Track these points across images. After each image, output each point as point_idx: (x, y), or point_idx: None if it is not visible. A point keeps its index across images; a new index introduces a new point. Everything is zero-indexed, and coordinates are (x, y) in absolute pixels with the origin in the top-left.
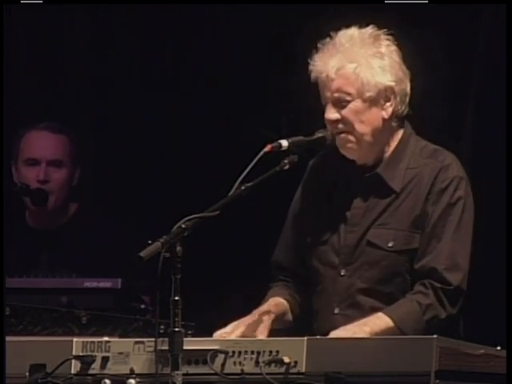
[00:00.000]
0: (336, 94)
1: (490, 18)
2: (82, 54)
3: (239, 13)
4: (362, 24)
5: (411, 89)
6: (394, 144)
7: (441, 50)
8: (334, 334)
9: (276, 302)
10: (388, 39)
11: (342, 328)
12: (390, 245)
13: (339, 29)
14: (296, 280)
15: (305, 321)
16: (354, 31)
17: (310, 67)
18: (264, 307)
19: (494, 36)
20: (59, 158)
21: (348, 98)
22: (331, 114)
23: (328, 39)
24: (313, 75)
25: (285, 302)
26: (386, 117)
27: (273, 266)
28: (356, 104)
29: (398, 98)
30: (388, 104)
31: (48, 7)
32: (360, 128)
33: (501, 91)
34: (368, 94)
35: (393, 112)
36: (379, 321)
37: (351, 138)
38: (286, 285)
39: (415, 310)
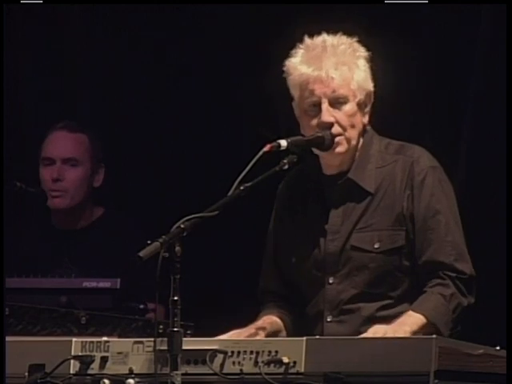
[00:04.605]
0: (334, 94)
1: (490, 18)
2: (82, 54)
3: (240, 13)
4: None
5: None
6: (359, 147)
7: (440, 50)
8: (371, 331)
9: (270, 320)
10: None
11: (380, 326)
12: (376, 246)
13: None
14: (286, 302)
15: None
16: (338, 37)
17: (296, 66)
18: (259, 323)
19: (494, 36)
20: (74, 157)
21: (343, 100)
22: (328, 116)
23: (308, 41)
24: (301, 76)
25: (278, 319)
26: (365, 122)
27: (260, 292)
28: (350, 107)
29: (372, 101)
30: (367, 109)
31: (48, 7)
32: (350, 132)
33: (501, 91)
34: (359, 97)
35: (370, 117)
36: (414, 319)
37: (343, 141)
38: (277, 305)
39: (441, 302)
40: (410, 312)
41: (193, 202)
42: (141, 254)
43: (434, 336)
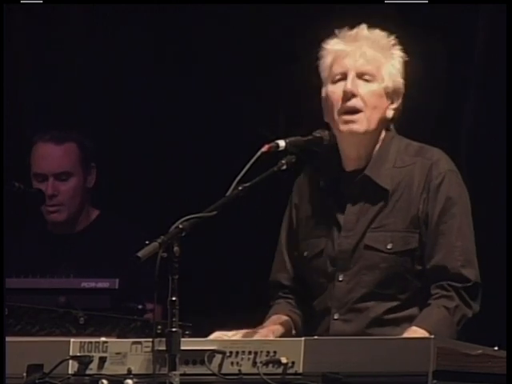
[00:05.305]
0: (363, 68)
1: (490, 18)
2: (82, 54)
3: (239, 12)
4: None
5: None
6: (378, 145)
7: (440, 50)
8: None
9: (280, 321)
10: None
11: None
12: (388, 247)
13: (340, 28)
14: (296, 296)
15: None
16: (373, 29)
17: (333, 46)
18: (267, 324)
19: (493, 36)
20: (66, 170)
21: (370, 78)
22: (351, 85)
23: (345, 29)
24: (335, 52)
25: (288, 318)
26: (389, 116)
27: (271, 285)
28: (376, 87)
29: (400, 101)
30: (393, 105)
31: (48, 7)
32: (371, 113)
33: (500, 91)
34: (387, 84)
35: (394, 114)
36: (418, 335)
37: (363, 119)
38: (288, 301)
39: (445, 315)
40: (414, 328)
41: (193, 202)
42: (139, 254)
43: (433, 336)
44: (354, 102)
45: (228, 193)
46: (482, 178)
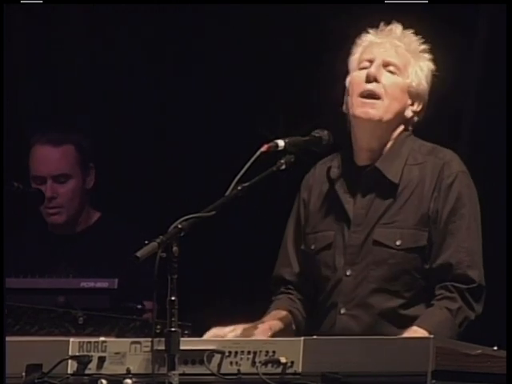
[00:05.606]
0: (388, 59)
1: (490, 18)
2: (82, 55)
3: (240, 12)
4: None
5: None
6: (391, 142)
7: (440, 50)
8: None
9: (280, 316)
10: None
11: None
12: (397, 243)
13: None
14: (298, 292)
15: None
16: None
17: (366, 38)
18: (267, 318)
19: (494, 36)
20: (64, 172)
21: (394, 69)
22: (375, 70)
23: (381, 26)
24: (367, 42)
25: (288, 313)
26: (406, 116)
27: (274, 280)
28: (400, 80)
29: (421, 107)
30: (413, 107)
31: (48, 7)
32: (390, 103)
33: (500, 91)
34: (410, 81)
35: (413, 115)
36: (418, 334)
37: (380, 106)
38: (289, 297)
39: (447, 317)
40: (415, 328)
41: (193, 202)
42: (138, 254)
43: (432, 336)
44: (374, 86)
45: (227, 193)
46: (481, 179)
